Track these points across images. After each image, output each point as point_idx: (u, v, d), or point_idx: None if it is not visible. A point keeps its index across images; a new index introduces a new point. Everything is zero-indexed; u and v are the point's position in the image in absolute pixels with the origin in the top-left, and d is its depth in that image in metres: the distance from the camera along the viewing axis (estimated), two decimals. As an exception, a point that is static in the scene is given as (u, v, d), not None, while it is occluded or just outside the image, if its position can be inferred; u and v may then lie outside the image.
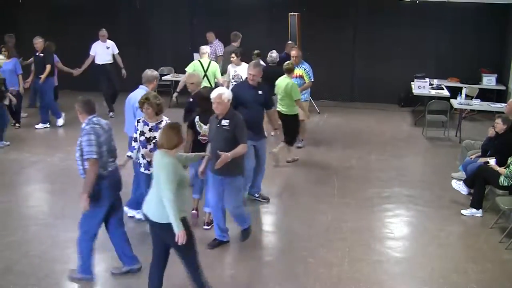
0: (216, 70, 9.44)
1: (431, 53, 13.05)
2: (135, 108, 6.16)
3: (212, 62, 9.49)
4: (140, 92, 6.21)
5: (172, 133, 4.43)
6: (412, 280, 5.39)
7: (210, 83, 9.23)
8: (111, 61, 11.66)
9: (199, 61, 9.41)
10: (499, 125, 7.20)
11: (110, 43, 11.66)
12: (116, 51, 11.71)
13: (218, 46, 12.19)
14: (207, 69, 9.28)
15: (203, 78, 9.08)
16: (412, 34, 12.91)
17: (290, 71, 8.39)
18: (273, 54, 9.59)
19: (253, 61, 7.71)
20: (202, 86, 7.63)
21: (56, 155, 9.01)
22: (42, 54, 10.63)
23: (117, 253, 5.28)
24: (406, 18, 12.87)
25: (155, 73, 6.63)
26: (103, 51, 11.57)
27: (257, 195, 7.22)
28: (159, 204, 4.32)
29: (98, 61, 11.53)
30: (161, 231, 4.46)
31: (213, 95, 5.51)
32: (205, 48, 9.55)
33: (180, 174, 4.37)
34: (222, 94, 5.48)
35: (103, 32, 11.52)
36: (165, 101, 6.02)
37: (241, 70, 9.29)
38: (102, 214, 5.03)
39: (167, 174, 4.26)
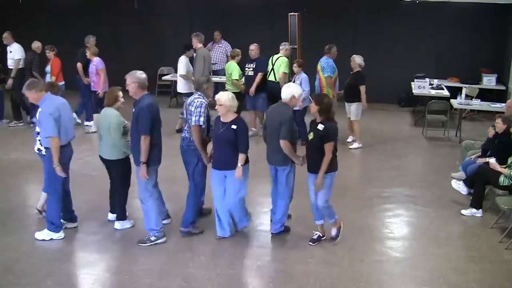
0: (281, 65, 9.81)
1: (431, 53, 13.04)
2: None
3: (280, 57, 9.90)
4: None
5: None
6: (412, 280, 5.39)
7: (275, 77, 9.82)
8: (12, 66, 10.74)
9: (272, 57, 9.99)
10: (499, 125, 7.19)
11: (14, 47, 10.73)
12: (17, 56, 10.63)
13: (226, 46, 12.50)
14: (274, 63, 9.88)
15: (270, 72, 9.92)
16: (412, 34, 12.90)
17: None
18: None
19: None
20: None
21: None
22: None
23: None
24: (406, 18, 12.87)
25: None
26: (7, 55, 10.87)
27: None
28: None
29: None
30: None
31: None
32: (283, 45, 10.06)
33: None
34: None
35: (5, 34, 10.75)
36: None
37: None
38: None
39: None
